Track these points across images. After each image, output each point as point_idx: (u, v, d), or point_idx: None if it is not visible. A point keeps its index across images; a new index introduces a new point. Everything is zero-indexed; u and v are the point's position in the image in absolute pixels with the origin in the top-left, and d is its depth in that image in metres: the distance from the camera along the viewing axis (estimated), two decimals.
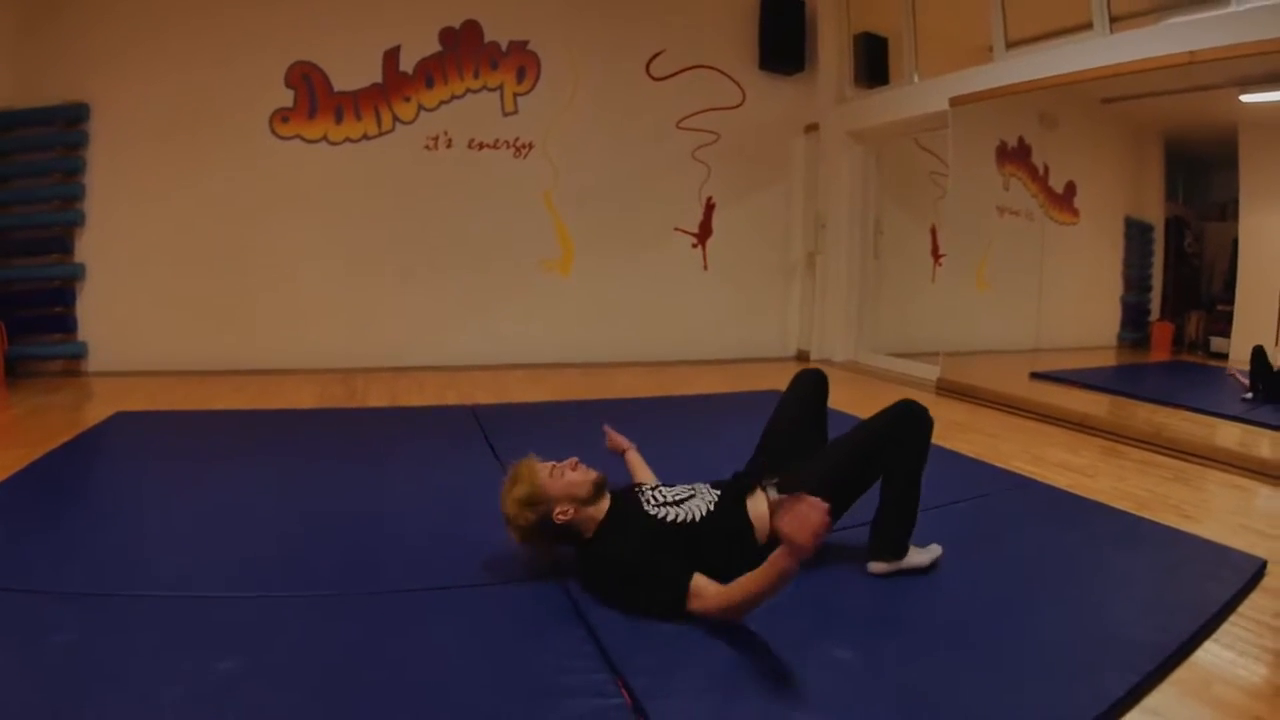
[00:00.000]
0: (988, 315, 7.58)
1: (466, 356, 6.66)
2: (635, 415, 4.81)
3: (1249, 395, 5.51)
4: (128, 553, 2.46)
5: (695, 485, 2.45)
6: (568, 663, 1.86)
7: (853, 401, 4.74)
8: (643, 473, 2.83)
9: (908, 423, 2.45)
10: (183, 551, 2.51)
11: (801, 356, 8.04)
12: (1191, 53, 4.57)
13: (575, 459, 2.33)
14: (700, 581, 2.04)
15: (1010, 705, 1.79)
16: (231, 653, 1.82)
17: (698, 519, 2.28)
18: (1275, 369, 5.55)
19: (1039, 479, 3.76)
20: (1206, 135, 7.21)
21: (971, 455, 4.18)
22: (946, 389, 6.27)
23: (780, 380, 6.17)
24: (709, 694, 1.77)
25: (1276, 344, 5.77)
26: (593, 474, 2.31)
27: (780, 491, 2.39)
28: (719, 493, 2.40)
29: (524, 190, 6.81)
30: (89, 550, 2.46)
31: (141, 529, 2.72)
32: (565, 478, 2.25)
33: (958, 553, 2.63)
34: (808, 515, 1.75)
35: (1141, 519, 3.20)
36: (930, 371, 6.66)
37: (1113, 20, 5.22)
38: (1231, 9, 4.52)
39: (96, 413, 4.48)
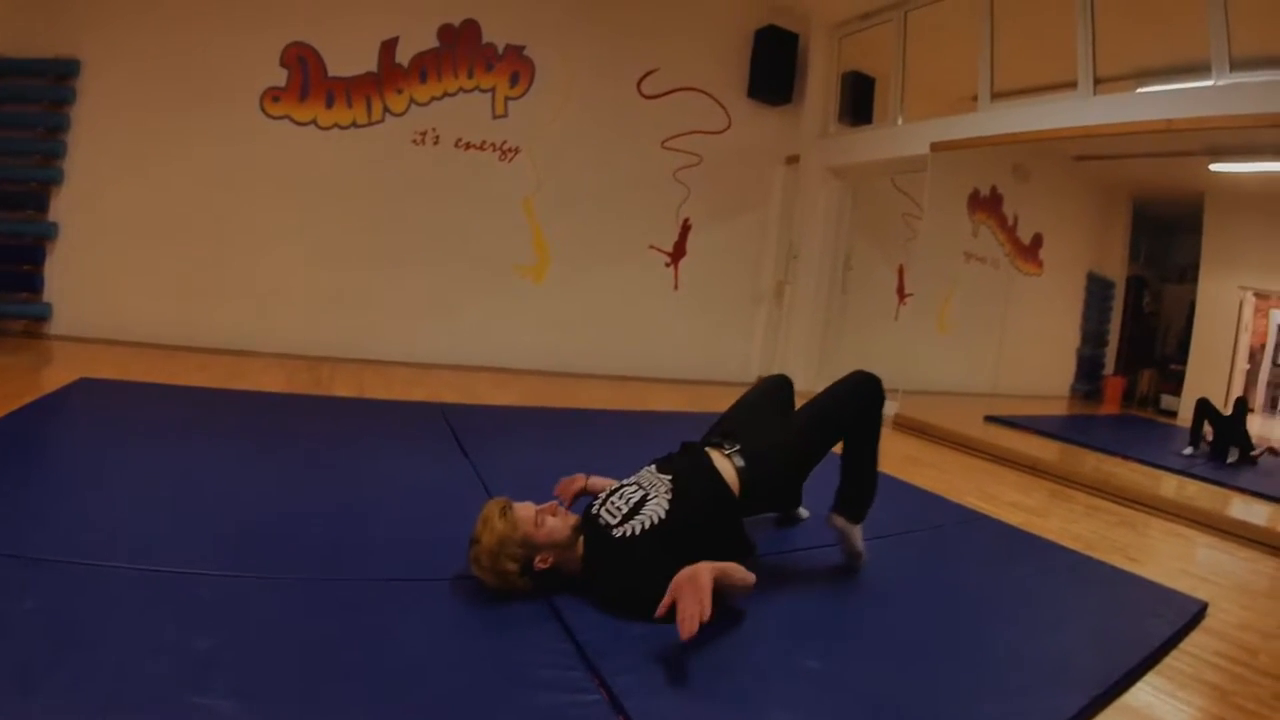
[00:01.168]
0: (947, 357, 7.75)
1: (434, 354, 6.65)
2: (602, 427, 4.89)
3: (1189, 450, 5.73)
4: (95, 522, 2.39)
5: (640, 477, 2.44)
6: (544, 658, 1.88)
7: None
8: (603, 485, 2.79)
9: (867, 389, 2.61)
10: (152, 525, 2.44)
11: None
12: (1169, 120, 4.78)
13: (555, 503, 2.30)
14: None
15: (988, 713, 1.89)
16: (209, 630, 1.79)
17: (663, 516, 2.25)
18: (1225, 414, 5.80)
19: (991, 515, 3.87)
20: (1173, 199, 7.49)
21: (926, 488, 4.29)
22: (903, 425, 6.40)
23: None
24: (686, 694, 1.82)
25: (1225, 404, 6.01)
26: (572, 518, 2.28)
27: (743, 457, 2.46)
28: (670, 476, 2.38)
29: (506, 194, 6.83)
30: (56, 516, 2.39)
31: (109, 499, 2.62)
32: (547, 525, 2.19)
33: (915, 577, 2.76)
34: (691, 616, 1.82)
35: (1089, 558, 3.33)
36: (888, 407, 6.76)
37: (1097, 82, 5.41)
38: (1211, 82, 4.73)
39: (58, 377, 4.37)
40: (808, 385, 7.82)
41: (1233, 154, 5.64)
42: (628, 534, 2.23)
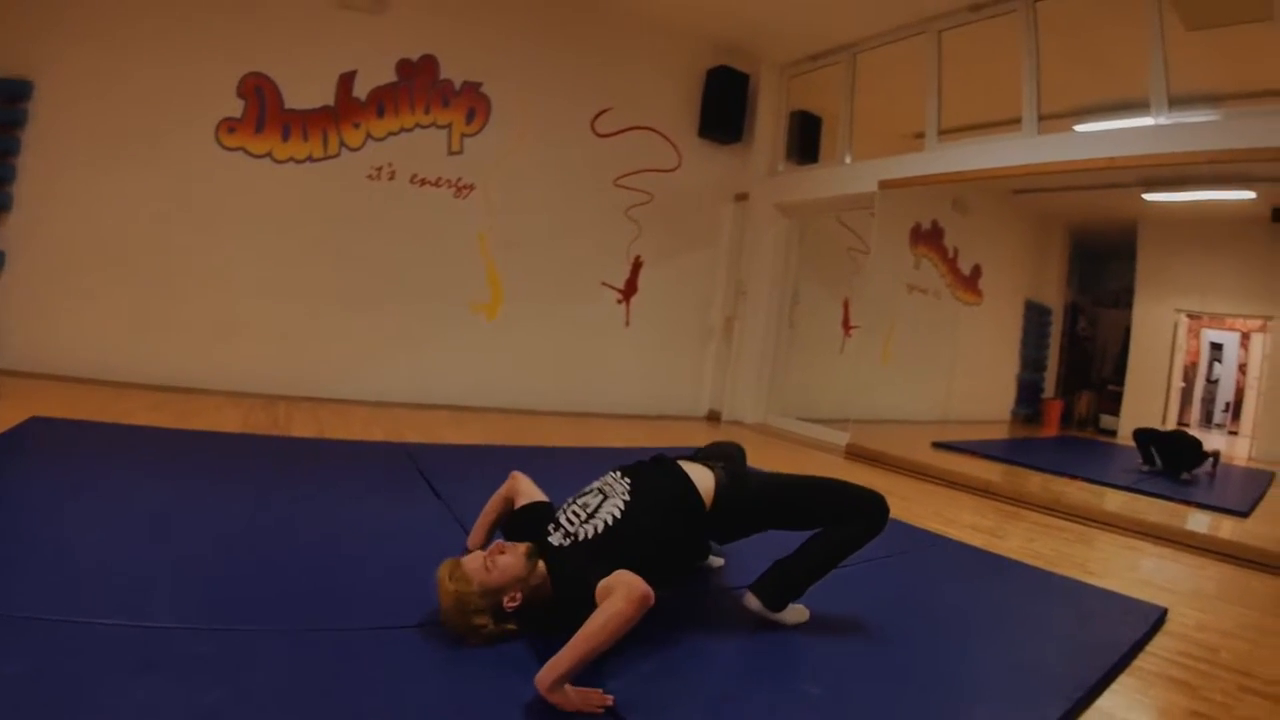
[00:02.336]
0: (892, 386, 7.95)
1: (390, 393, 6.58)
2: (566, 463, 4.87)
3: (1146, 467, 6.00)
4: (68, 574, 2.22)
5: (603, 481, 2.41)
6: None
7: (769, 461, 4.95)
8: (528, 490, 2.66)
9: (873, 511, 2.46)
10: (126, 577, 2.27)
11: (713, 416, 8.26)
12: (1111, 159, 5.05)
13: (498, 542, 2.18)
14: (626, 575, 1.94)
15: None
16: (210, 686, 1.70)
17: (617, 515, 2.23)
18: (1166, 432, 6.07)
19: (953, 538, 4.00)
20: (1107, 228, 7.86)
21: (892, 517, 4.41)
22: (855, 453, 6.55)
23: (693, 437, 6.39)
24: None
25: (1163, 423, 6.29)
26: (520, 547, 2.15)
27: (727, 474, 2.44)
28: (629, 480, 2.36)
29: (460, 231, 6.83)
30: (26, 570, 2.20)
31: (76, 549, 2.44)
32: (499, 565, 2.08)
33: (893, 601, 2.85)
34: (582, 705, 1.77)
35: (1051, 574, 3.48)
36: (840, 437, 6.95)
37: (1041, 119, 5.68)
38: (1151, 120, 5.01)
39: (7, 415, 4.15)
40: (757, 418, 8.05)
41: (1165, 184, 5.97)
42: (579, 539, 2.21)
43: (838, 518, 2.47)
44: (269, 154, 6.05)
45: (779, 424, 7.99)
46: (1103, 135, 5.31)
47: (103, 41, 5.52)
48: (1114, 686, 2.34)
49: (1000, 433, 8.12)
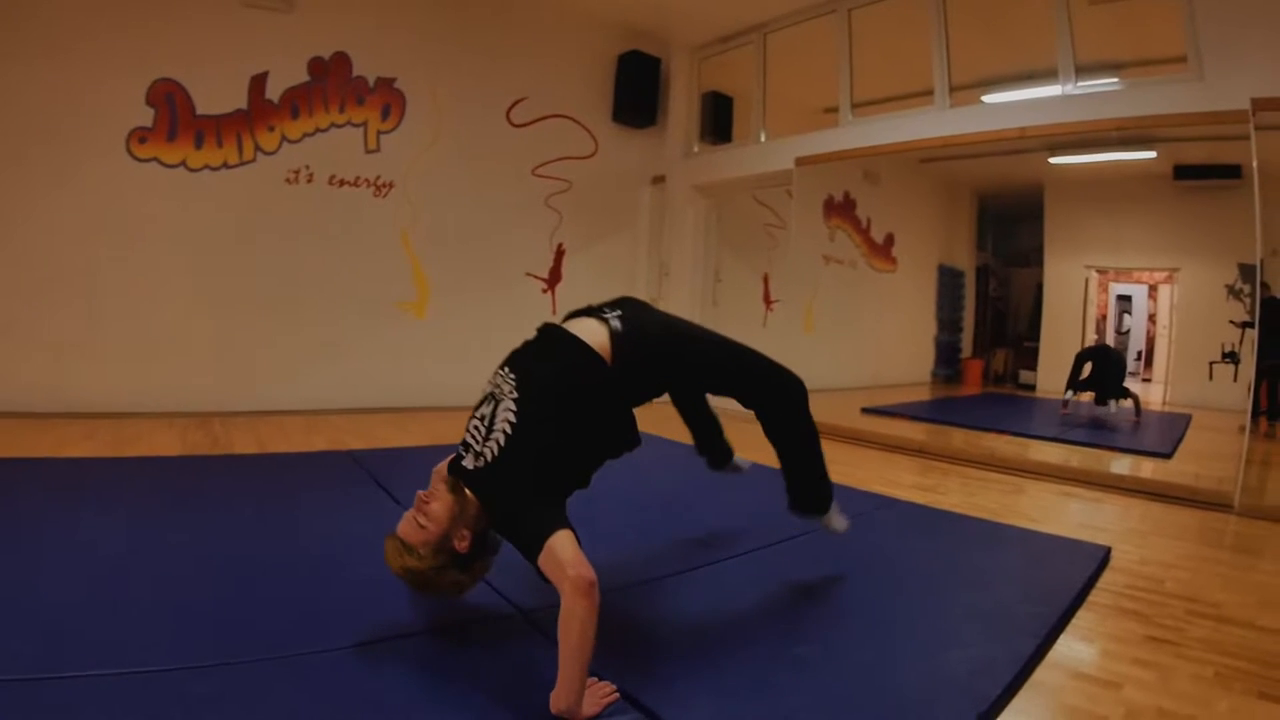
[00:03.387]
0: (817, 357, 8.12)
1: (324, 399, 6.44)
2: None
3: (1068, 394, 6.34)
4: (34, 627, 2.02)
5: (494, 381, 2.11)
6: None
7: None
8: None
9: (788, 378, 2.58)
10: (102, 621, 2.11)
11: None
12: (1023, 129, 5.27)
13: (418, 492, 2.00)
14: (559, 542, 1.79)
15: (956, 661, 2.10)
16: None
17: (512, 420, 1.95)
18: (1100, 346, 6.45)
19: (900, 498, 4.16)
20: (1014, 191, 8.18)
21: (836, 483, 4.53)
22: None
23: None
24: (712, 690, 1.93)
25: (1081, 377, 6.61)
26: (440, 486, 2.00)
27: (622, 321, 2.17)
28: (513, 372, 2.08)
29: (382, 230, 6.71)
30: None
31: (36, 599, 2.23)
32: (431, 515, 1.95)
33: (857, 563, 2.98)
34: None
35: (997, 524, 3.68)
36: None
37: (952, 90, 5.88)
38: (1059, 90, 5.24)
39: None
40: None
41: (1070, 148, 6.23)
42: (486, 461, 1.96)
43: (750, 378, 2.48)
44: (183, 163, 5.81)
45: (712, 401, 8.07)
46: (1014, 105, 5.55)
47: None
48: (1074, 621, 2.52)
49: (924, 394, 8.40)
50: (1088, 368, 6.46)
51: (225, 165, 5.97)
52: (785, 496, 2.72)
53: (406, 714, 1.73)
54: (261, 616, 2.20)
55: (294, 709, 1.72)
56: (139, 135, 5.64)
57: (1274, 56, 4.37)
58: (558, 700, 1.70)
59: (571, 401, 2.03)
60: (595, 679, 1.82)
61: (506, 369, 2.10)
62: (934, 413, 7.16)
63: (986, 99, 5.84)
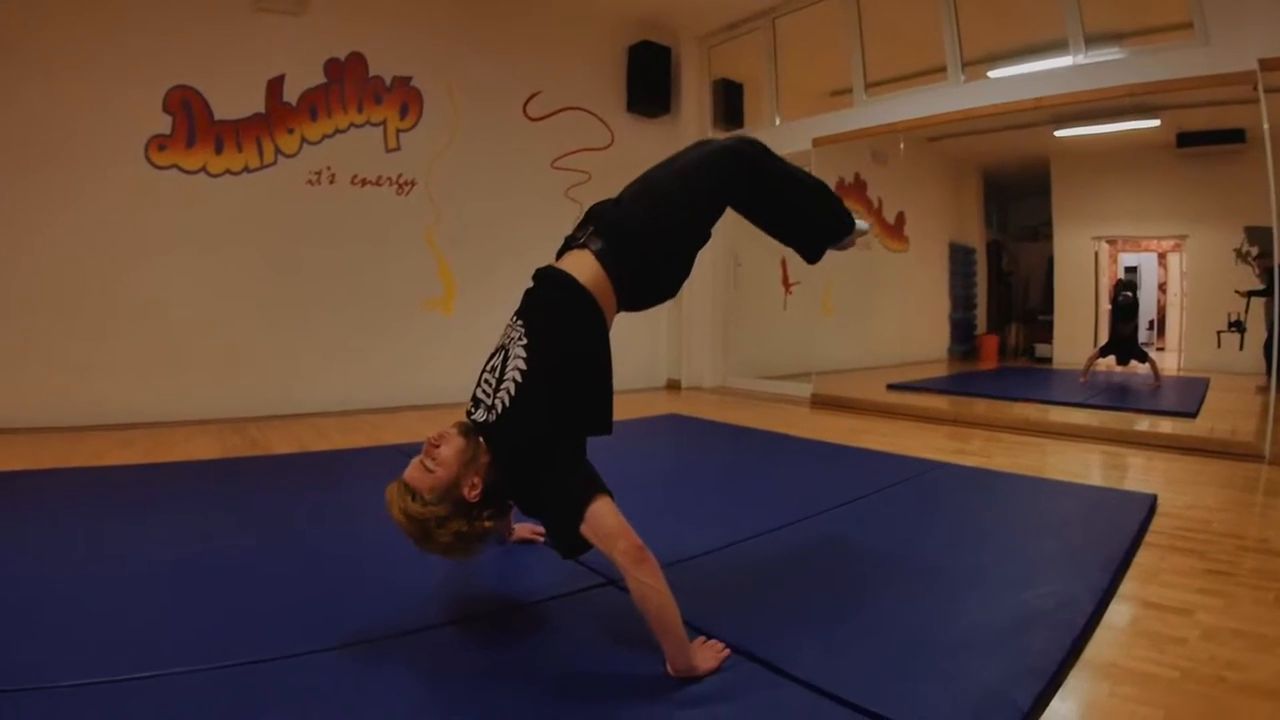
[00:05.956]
0: (837, 337, 8.25)
1: (355, 400, 6.52)
2: None
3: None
4: (96, 631, 1.99)
5: (505, 333, 2.04)
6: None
7: (737, 418, 5.11)
8: None
9: (740, 141, 2.36)
10: (165, 615, 2.12)
11: (672, 385, 8.47)
12: (1038, 99, 5.41)
13: (428, 436, 1.90)
14: (602, 510, 1.76)
15: (1038, 597, 2.20)
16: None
17: (523, 368, 1.90)
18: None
19: (948, 462, 4.27)
20: (1019, 166, 8.29)
21: (882, 450, 4.67)
22: (821, 403, 6.85)
23: (655, 407, 6.55)
24: (818, 641, 2.04)
25: (1095, 344, 6.75)
26: (450, 430, 1.90)
27: (600, 238, 2.06)
28: (522, 320, 2.01)
29: (406, 228, 6.80)
30: (38, 634, 1.97)
31: (93, 602, 2.21)
32: (441, 459, 1.85)
33: (922, 519, 3.14)
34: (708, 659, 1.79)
35: (1046, 479, 3.81)
36: (802, 389, 7.25)
37: (964, 65, 6.01)
38: (1070, 60, 5.37)
39: None
40: (716, 381, 8.29)
41: (1075, 120, 6.36)
42: (497, 413, 1.91)
43: (721, 187, 2.30)
44: (203, 168, 5.87)
45: (739, 384, 8.26)
46: (1027, 78, 5.67)
47: (12, 65, 5.25)
48: (1136, 560, 2.63)
49: (943, 370, 8.50)
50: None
51: (246, 169, 6.04)
52: (815, 246, 2.65)
53: (471, 695, 1.71)
54: (337, 607, 2.18)
55: (354, 698, 1.68)
56: (158, 143, 5.70)
57: (1278, 18, 4.49)
58: (673, 663, 1.74)
59: (582, 343, 1.96)
60: (704, 639, 1.88)
61: (517, 318, 2.03)
62: (958, 385, 7.30)
63: (993, 74, 5.98)
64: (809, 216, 2.56)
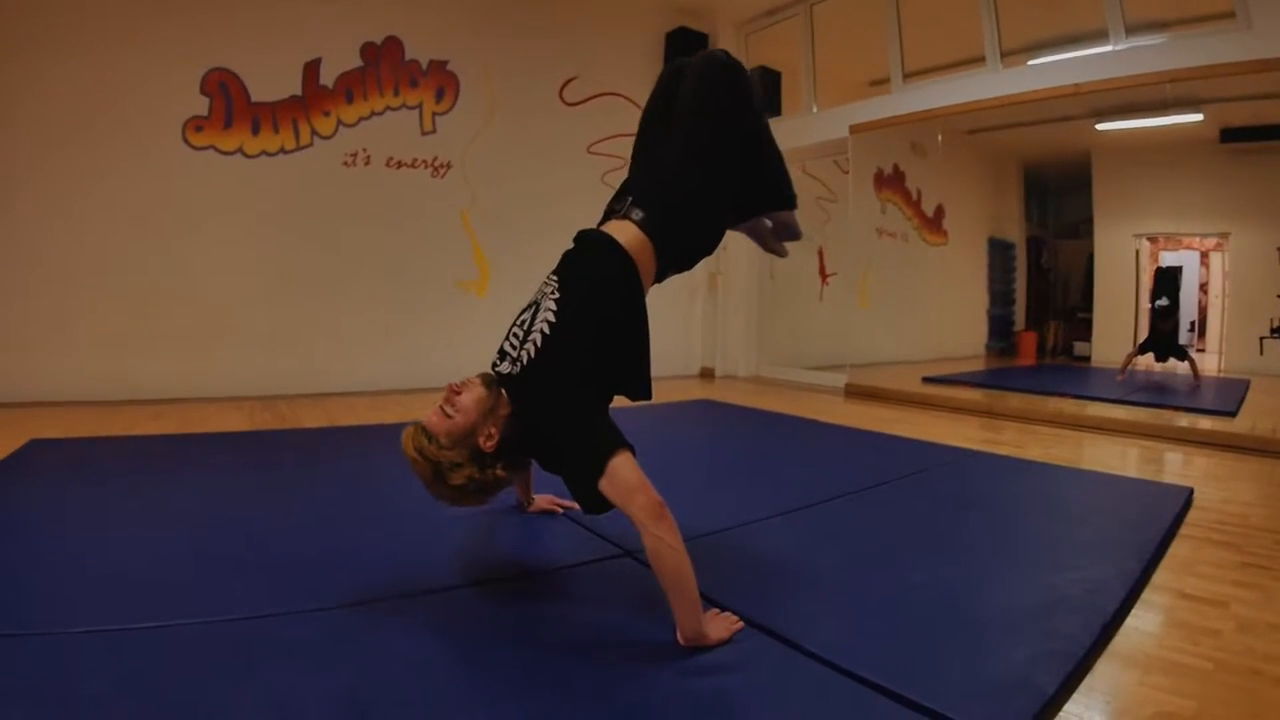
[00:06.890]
0: (873, 329, 8.18)
1: (387, 380, 6.54)
2: None
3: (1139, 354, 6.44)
4: (126, 580, 2.06)
5: (539, 290, 2.05)
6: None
7: (769, 405, 5.07)
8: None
9: (712, 55, 2.25)
10: (195, 573, 2.14)
11: (706, 373, 8.44)
12: (1077, 85, 5.28)
13: (450, 384, 1.91)
14: (622, 465, 1.73)
15: (1069, 583, 2.15)
16: (329, 666, 1.61)
17: (551, 319, 1.91)
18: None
19: (983, 450, 4.21)
20: (1060, 161, 8.15)
21: (916, 438, 4.62)
22: (855, 392, 6.78)
23: (688, 394, 6.52)
24: (839, 617, 2.02)
25: (1135, 343, 6.61)
26: (473, 379, 1.92)
27: (644, 209, 2.07)
28: (557, 277, 2.02)
29: (441, 210, 6.83)
30: (75, 583, 2.04)
31: (126, 556, 2.26)
32: (460, 405, 1.86)
33: (954, 502, 3.11)
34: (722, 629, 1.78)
35: (1081, 470, 3.75)
36: (836, 380, 7.19)
37: (1003, 54, 5.90)
38: (1110, 47, 5.25)
39: (2, 443, 3.81)
40: (750, 370, 8.24)
41: (1115, 113, 6.23)
42: (523, 364, 1.91)
43: (721, 139, 2.18)
44: (240, 149, 5.92)
45: (773, 374, 8.21)
46: (1065, 64, 5.55)
47: (56, 49, 5.29)
48: (1171, 551, 2.56)
49: (980, 365, 8.40)
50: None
51: (282, 151, 6.08)
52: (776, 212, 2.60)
53: (474, 655, 1.71)
54: (362, 565, 2.22)
55: (399, 647, 1.71)
56: (195, 124, 5.75)
57: None
58: (683, 630, 1.71)
59: (608, 301, 1.96)
60: (718, 610, 1.85)
61: (552, 275, 2.04)
62: (995, 380, 7.19)
63: (1033, 63, 5.86)
64: (776, 165, 2.43)
